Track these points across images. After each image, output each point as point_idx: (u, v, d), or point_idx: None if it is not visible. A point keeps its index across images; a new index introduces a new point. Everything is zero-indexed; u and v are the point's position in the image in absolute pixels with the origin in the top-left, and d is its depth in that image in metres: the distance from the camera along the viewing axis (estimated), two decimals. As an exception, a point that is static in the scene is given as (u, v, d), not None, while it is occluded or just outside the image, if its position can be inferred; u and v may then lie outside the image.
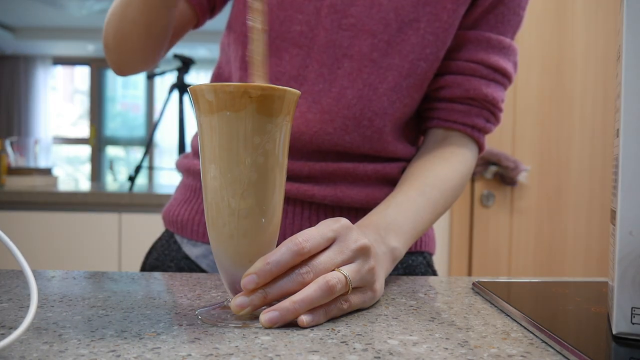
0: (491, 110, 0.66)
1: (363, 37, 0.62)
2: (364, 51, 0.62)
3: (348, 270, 0.41)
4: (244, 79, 0.65)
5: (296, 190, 0.64)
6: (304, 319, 0.39)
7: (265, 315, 0.38)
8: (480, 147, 0.69)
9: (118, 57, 0.68)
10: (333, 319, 0.41)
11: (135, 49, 0.66)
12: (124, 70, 0.70)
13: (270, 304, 0.39)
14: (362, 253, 0.43)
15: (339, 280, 0.40)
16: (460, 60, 0.65)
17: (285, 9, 0.62)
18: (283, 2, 0.62)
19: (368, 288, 0.44)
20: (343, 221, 0.44)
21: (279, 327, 0.38)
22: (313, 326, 0.39)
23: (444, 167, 0.63)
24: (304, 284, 0.39)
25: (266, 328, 0.38)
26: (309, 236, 0.41)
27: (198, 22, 0.72)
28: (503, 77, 0.66)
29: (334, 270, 0.41)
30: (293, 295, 0.39)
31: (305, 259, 0.40)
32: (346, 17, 0.62)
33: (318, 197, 0.64)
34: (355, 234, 0.43)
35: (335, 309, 0.41)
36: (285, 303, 0.39)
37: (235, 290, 0.42)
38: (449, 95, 0.66)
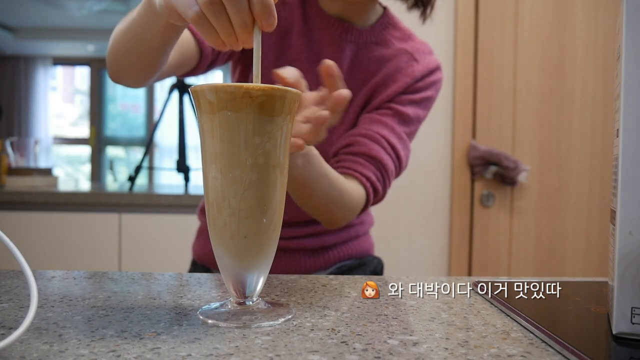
0: (383, 174, 0.80)
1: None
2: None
3: None
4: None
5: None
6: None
7: None
8: (368, 197, 0.79)
9: (112, 68, 0.77)
10: (333, 320, 0.41)
11: (127, 69, 0.75)
12: (117, 81, 0.81)
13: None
14: None
15: None
16: (370, 130, 0.81)
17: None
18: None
19: None
20: None
21: (278, 327, 0.39)
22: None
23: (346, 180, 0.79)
24: None
25: None
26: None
27: (197, 66, 0.79)
28: (397, 158, 0.82)
29: None
30: None
31: None
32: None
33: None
34: None
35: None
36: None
37: (237, 290, 0.42)
38: (355, 150, 0.81)
